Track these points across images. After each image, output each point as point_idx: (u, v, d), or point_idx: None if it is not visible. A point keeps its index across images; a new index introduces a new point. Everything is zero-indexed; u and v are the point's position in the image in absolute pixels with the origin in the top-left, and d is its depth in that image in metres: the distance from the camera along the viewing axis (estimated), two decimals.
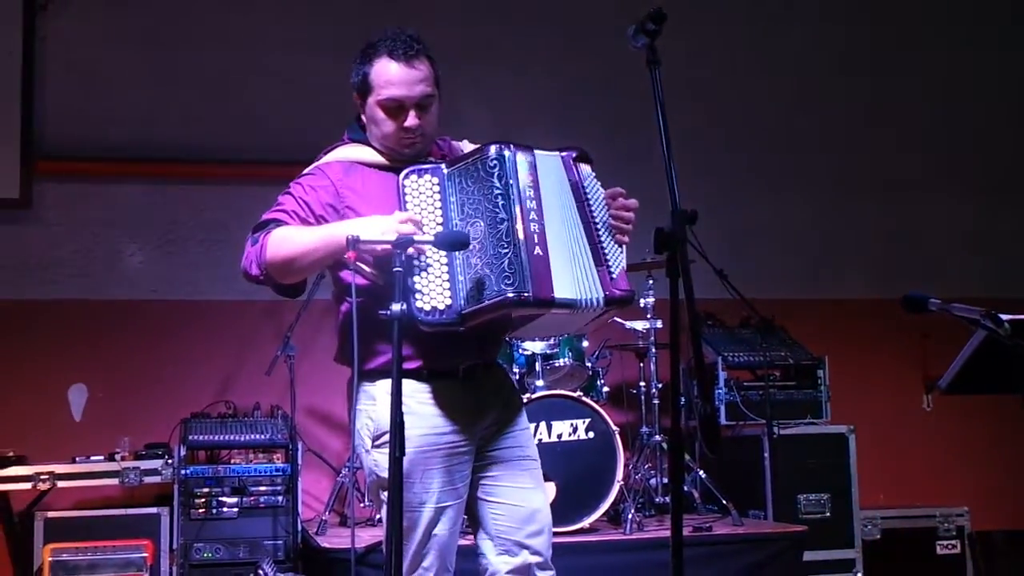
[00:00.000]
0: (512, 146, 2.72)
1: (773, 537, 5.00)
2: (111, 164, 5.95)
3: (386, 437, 2.64)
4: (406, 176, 2.76)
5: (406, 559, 2.75)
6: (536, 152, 2.77)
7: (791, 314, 6.07)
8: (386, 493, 2.66)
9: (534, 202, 2.69)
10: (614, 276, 2.75)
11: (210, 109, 6.03)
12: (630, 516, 4.91)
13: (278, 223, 2.83)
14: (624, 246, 2.83)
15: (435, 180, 2.75)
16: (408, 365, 2.74)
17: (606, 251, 2.76)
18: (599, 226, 2.78)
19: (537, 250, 2.64)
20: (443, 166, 2.79)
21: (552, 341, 5.15)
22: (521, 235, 2.63)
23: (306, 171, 2.93)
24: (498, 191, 2.66)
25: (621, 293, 2.74)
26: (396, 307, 2.55)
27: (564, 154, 2.84)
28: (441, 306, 2.64)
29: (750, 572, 4.85)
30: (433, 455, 2.78)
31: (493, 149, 2.71)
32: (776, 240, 6.67)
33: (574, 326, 2.86)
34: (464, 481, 2.84)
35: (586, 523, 4.86)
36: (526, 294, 2.59)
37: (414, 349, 2.76)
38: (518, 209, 2.65)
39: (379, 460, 2.80)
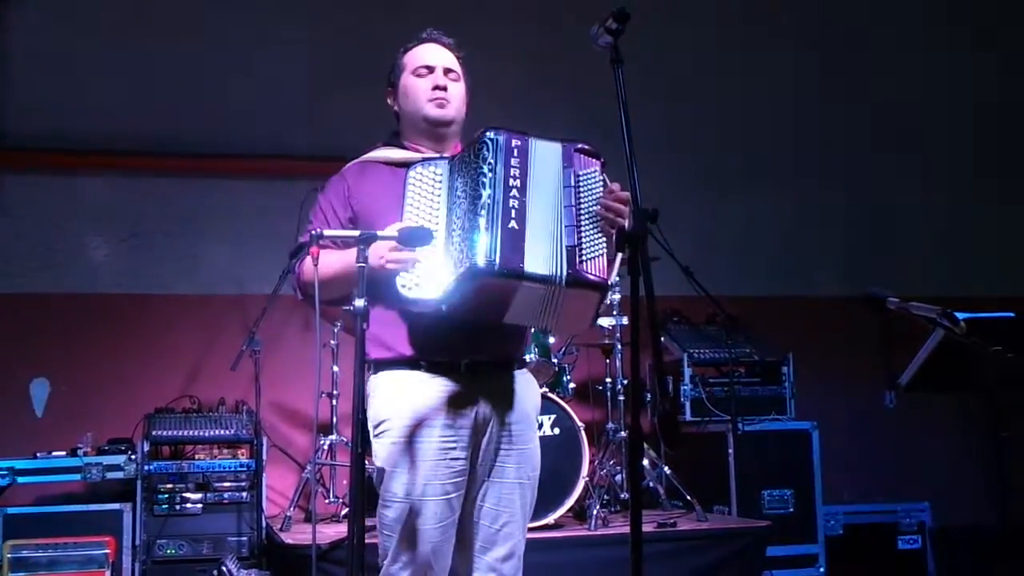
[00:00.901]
0: (504, 130, 2.76)
1: (737, 533, 5.04)
2: (76, 156, 5.90)
3: (383, 426, 2.77)
4: (412, 168, 2.82)
5: (389, 551, 2.78)
6: (530, 138, 2.79)
7: (756, 311, 6.12)
8: (380, 483, 2.76)
9: (518, 180, 2.71)
10: (584, 259, 2.69)
11: (177, 102, 5.98)
12: (595, 512, 4.93)
13: (319, 242, 2.83)
14: (612, 239, 2.77)
15: (439, 171, 2.81)
16: (406, 352, 2.81)
17: (582, 235, 2.71)
18: (582, 213, 2.74)
19: (513, 224, 2.64)
20: (447, 159, 2.85)
21: None
22: (499, 209, 2.64)
23: (333, 177, 3.04)
24: (483, 170, 2.69)
25: (594, 278, 2.68)
26: (359, 302, 2.57)
27: (564, 144, 2.84)
28: (424, 286, 2.66)
29: (714, 567, 4.88)
30: (421, 446, 2.77)
31: (486, 133, 2.75)
32: (742, 238, 6.71)
33: (570, 318, 2.77)
34: (454, 480, 2.81)
35: (551, 519, 4.87)
36: (492, 262, 2.57)
37: (414, 339, 2.80)
38: (500, 185, 2.67)
39: (378, 450, 2.84)
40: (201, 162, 6.01)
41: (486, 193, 2.66)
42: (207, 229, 5.99)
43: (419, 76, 3.01)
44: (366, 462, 2.68)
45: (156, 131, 5.94)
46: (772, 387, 5.80)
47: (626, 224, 2.66)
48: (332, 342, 5.40)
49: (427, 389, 2.81)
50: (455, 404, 2.82)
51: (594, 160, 2.82)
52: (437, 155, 2.91)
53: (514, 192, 2.68)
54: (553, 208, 2.73)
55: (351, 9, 6.11)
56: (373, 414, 2.84)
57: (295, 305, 5.63)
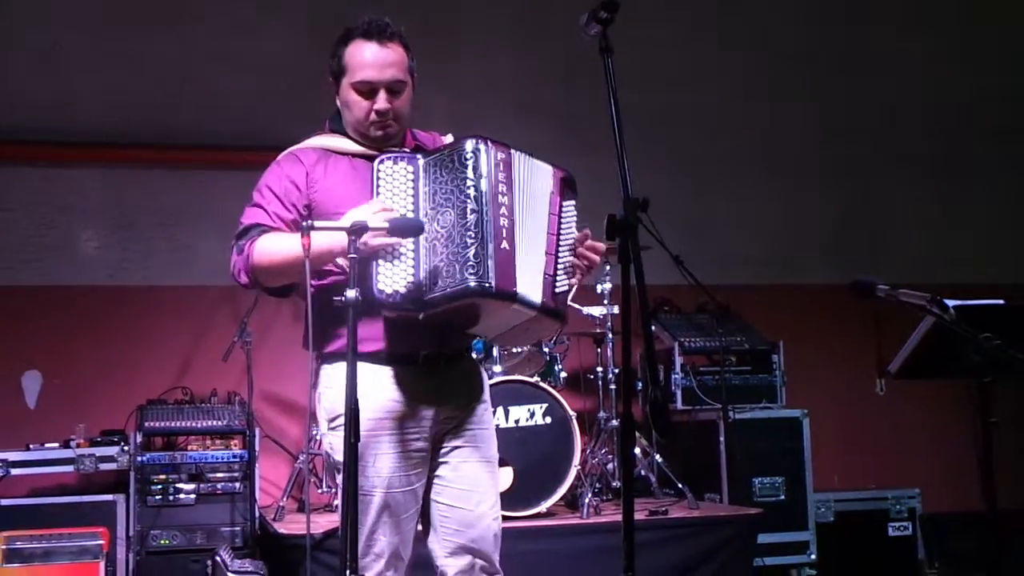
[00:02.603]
0: (490, 141, 2.72)
1: (728, 520, 5.06)
2: (66, 149, 5.89)
3: (340, 420, 2.66)
4: (381, 162, 2.75)
5: (359, 544, 2.75)
6: (514, 152, 2.76)
7: (747, 300, 6.13)
8: (340, 476, 2.69)
9: (506, 198, 2.70)
10: (557, 291, 2.76)
11: (167, 94, 5.96)
12: (587, 500, 4.95)
13: (262, 229, 2.82)
14: (576, 279, 2.84)
15: (410, 168, 2.74)
16: (368, 348, 2.75)
17: (558, 267, 2.77)
18: (562, 244, 2.78)
19: (504, 244, 2.65)
20: (419, 156, 2.78)
21: None
22: (490, 227, 2.64)
23: (280, 156, 2.94)
24: (471, 182, 2.66)
25: (555, 308, 2.75)
26: (351, 293, 2.56)
27: (550, 166, 2.83)
28: (403, 289, 2.64)
29: (706, 555, 4.90)
30: (386, 439, 2.78)
31: (470, 143, 2.70)
32: (733, 227, 6.73)
33: (508, 328, 2.82)
34: (417, 470, 2.83)
35: (543, 507, 4.89)
36: (488, 284, 2.60)
37: (374, 332, 2.76)
38: (490, 202, 2.66)
39: (334, 443, 2.83)
40: (193, 154, 6.01)
41: (473, 207, 2.64)
42: (198, 221, 5.98)
43: (360, 93, 2.84)
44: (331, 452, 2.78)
45: (148, 123, 5.93)
46: (763, 375, 5.83)
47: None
48: None
49: (385, 381, 2.80)
50: (414, 395, 2.82)
51: (573, 195, 2.85)
52: (405, 152, 2.84)
53: (503, 211, 2.68)
54: (539, 232, 2.77)
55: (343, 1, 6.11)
56: (330, 406, 2.83)
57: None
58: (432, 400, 2.84)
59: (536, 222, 2.77)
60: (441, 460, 2.89)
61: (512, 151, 2.76)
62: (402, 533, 2.82)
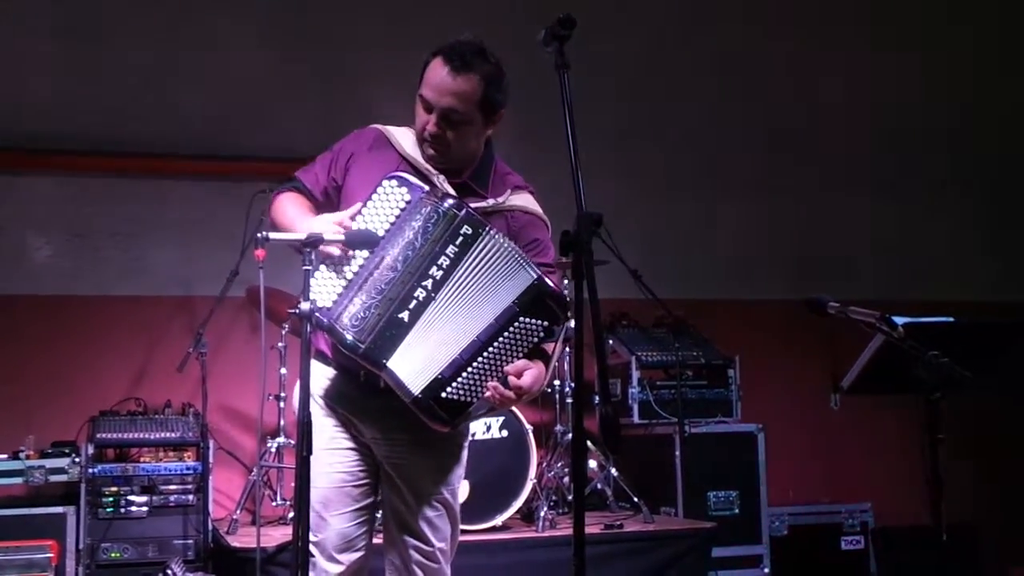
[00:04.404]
0: (467, 211, 2.66)
1: (683, 534, 5.09)
2: (19, 155, 5.81)
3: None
4: (389, 178, 2.74)
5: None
6: (490, 232, 2.65)
7: (704, 314, 6.17)
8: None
9: (440, 272, 2.64)
10: (443, 396, 2.60)
11: (126, 102, 5.90)
12: (543, 514, 4.95)
13: (294, 185, 2.95)
14: (486, 406, 2.67)
15: (407, 197, 2.70)
16: (323, 348, 2.87)
17: (464, 375, 2.61)
18: (484, 357, 2.62)
19: (404, 315, 2.62)
20: (425, 189, 2.72)
21: None
22: (400, 291, 2.63)
23: (362, 128, 3.00)
24: (420, 241, 2.65)
25: (431, 409, 2.61)
26: (305, 305, 2.56)
27: (529, 272, 2.64)
28: (320, 303, 2.63)
29: (661, 568, 4.92)
30: (315, 437, 2.74)
31: (449, 202, 2.66)
32: (690, 241, 6.77)
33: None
34: (347, 470, 2.87)
35: (499, 521, 4.89)
36: (359, 344, 2.61)
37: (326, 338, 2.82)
38: (418, 268, 2.64)
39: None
40: (148, 163, 5.94)
41: (397, 266, 2.64)
42: (154, 230, 5.93)
43: (421, 106, 2.81)
44: None
45: (103, 131, 5.87)
46: (719, 389, 5.86)
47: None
48: (279, 344, 5.36)
49: (324, 381, 2.88)
50: (346, 402, 2.87)
51: (543, 316, 2.65)
52: (429, 177, 2.80)
53: (427, 283, 2.63)
54: (462, 326, 2.62)
55: (302, 11, 6.08)
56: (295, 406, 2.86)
57: (241, 307, 5.60)
58: (361, 416, 2.86)
59: (467, 315, 2.63)
60: (382, 480, 2.94)
61: (484, 231, 2.64)
62: (336, 528, 2.86)
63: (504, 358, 2.64)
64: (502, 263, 2.66)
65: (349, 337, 2.61)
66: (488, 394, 2.61)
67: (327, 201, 2.91)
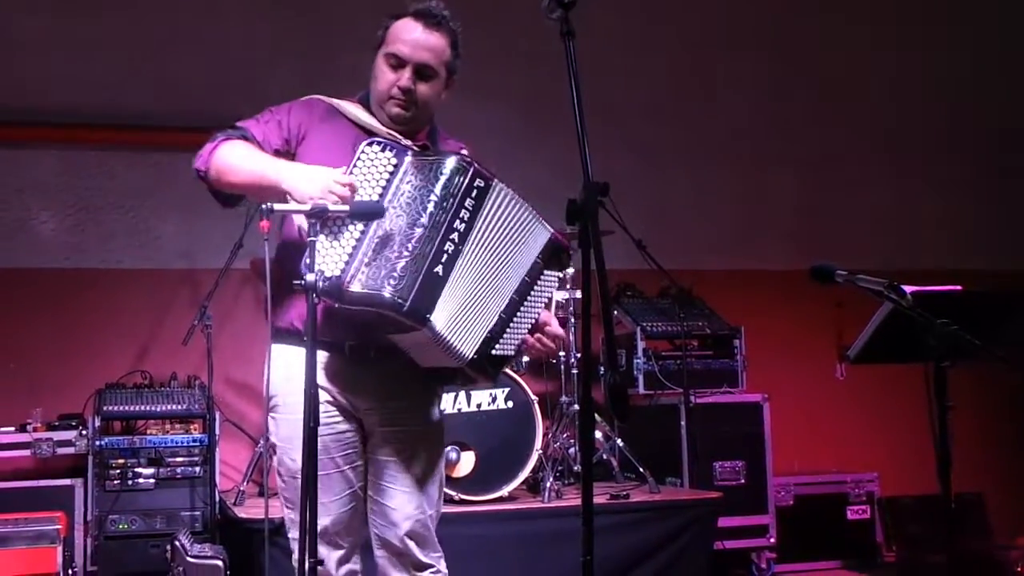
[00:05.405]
0: (476, 165, 2.66)
1: (689, 504, 5.10)
2: (22, 129, 5.79)
3: (274, 401, 2.79)
4: (369, 144, 2.71)
5: (294, 524, 2.77)
6: (499, 185, 2.68)
7: (709, 284, 6.15)
8: (275, 459, 2.86)
9: (463, 224, 2.63)
10: (493, 353, 2.69)
11: (127, 74, 5.88)
12: (548, 484, 4.96)
13: (243, 133, 2.83)
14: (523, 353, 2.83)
15: (393, 161, 2.68)
16: (297, 328, 2.78)
17: (508, 330, 2.71)
18: (523, 312, 2.73)
19: (438, 268, 2.59)
20: (410, 152, 2.71)
21: None
22: (432, 247, 2.59)
23: (303, 98, 2.94)
24: (434, 198, 2.61)
25: (487, 374, 2.72)
26: (310, 277, 2.53)
27: (544, 227, 2.76)
28: (328, 273, 2.57)
29: (667, 538, 4.94)
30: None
31: (452, 160, 2.65)
32: (695, 211, 6.75)
33: (433, 363, 2.75)
34: (343, 452, 2.83)
35: (505, 491, 4.90)
36: (401, 301, 2.54)
37: (304, 314, 2.68)
38: (444, 224, 2.60)
39: (270, 425, 2.87)
40: (151, 135, 5.92)
41: (424, 223, 2.60)
42: (157, 203, 5.92)
43: (388, 65, 2.82)
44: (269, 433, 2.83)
45: (105, 104, 5.84)
46: (724, 360, 5.85)
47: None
48: None
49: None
50: (338, 382, 2.81)
51: (558, 267, 2.81)
52: (400, 140, 2.79)
53: (454, 236, 2.61)
54: (498, 280, 2.69)
55: None
56: (269, 388, 2.84)
57: (246, 279, 5.60)
58: (353, 388, 2.82)
59: (500, 270, 2.70)
60: (369, 453, 2.88)
61: (496, 184, 2.67)
62: (334, 515, 2.82)
63: (534, 310, 2.77)
64: (517, 214, 2.72)
65: (387, 295, 2.54)
66: (531, 344, 2.77)
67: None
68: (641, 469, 5.30)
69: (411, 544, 2.86)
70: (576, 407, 5.42)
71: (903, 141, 7.10)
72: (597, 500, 4.69)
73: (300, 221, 2.69)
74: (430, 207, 2.61)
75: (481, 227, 2.66)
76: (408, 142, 2.81)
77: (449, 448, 4.67)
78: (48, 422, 5.09)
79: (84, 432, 5.00)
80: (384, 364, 2.78)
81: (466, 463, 4.79)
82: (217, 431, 5.12)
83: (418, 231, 2.60)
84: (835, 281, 3.04)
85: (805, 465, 6.33)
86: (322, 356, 2.76)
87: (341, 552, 2.87)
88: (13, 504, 4.80)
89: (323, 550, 2.76)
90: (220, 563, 4.38)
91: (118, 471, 4.95)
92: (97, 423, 4.97)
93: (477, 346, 2.66)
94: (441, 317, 2.58)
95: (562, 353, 5.60)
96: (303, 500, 2.52)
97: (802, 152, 6.94)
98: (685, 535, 4.95)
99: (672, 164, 6.70)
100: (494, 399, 4.94)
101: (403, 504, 2.86)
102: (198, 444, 5.05)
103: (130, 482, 4.96)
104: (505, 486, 4.89)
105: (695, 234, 6.66)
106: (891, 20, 7.01)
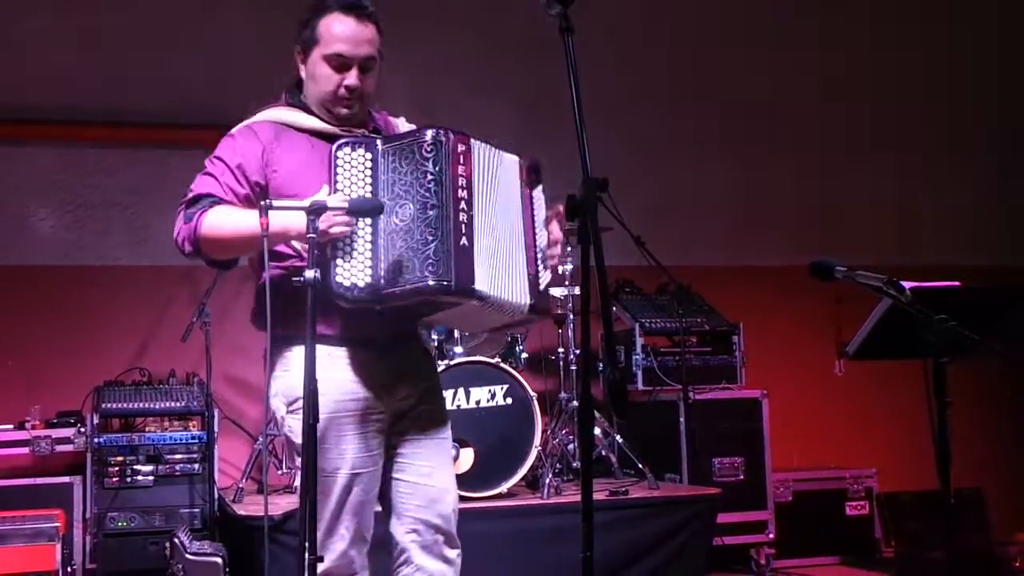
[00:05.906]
0: (451, 133, 2.68)
1: (688, 500, 5.10)
2: (20, 126, 5.79)
3: (299, 403, 2.63)
4: (339, 148, 2.70)
5: (322, 525, 2.74)
6: (474, 143, 2.72)
7: (708, 281, 6.15)
8: (299, 459, 2.68)
9: (466, 191, 2.67)
10: (541, 287, 2.81)
11: (126, 72, 5.87)
12: (547, 481, 4.96)
13: (213, 200, 2.78)
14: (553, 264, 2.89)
15: (368, 156, 2.69)
16: (325, 331, 2.72)
17: (539, 260, 2.82)
18: (539, 236, 2.83)
19: (463, 240, 2.63)
20: (378, 141, 2.73)
21: None
22: (450, 223, 2.62)
23: (235, 129, 2.89)
24: (431, 176, 2.63)
25: (545, 305, 2.84)
26: (309, 273, 2.53)
27: (513, 156, 2.83)
28: (361, 283, 2.61)
29: (666, 534, 4.94)
30: (347, 420, 2.77)
31: (430, 133, 2.66)
32: (694, 207, 6.75)
33: (489, 324, 2.88)
34: (379, 450, 2.83)
35: (504, 488, 4.90)
36: (447, 282, 2.59)
37: (331, 315, 2.72)
38: (450, 197, 2.63)
39: (293, 426, 2.79)
40: (150, 133, 5.92)
41: (434, 203, 2.61)
42: (156, 200, 5.89)
43: (331, 66, 2.80)
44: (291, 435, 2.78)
45: (104, 101, 5.84)
46: (723, 356, 5.86)
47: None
48: None
49: (342, 363, 2.78)
50: (372, 376, 2.81)
51: (538, 180, 2.88)
52: (361, 134, 2.81)
53: (463, 205, 2.65)
54: (503, 223, 2.76)
55: None
56: (287, 390, 2.79)
57: (245, 276, 5.57)
58: (389, 380, 2.83)
59: (507, 217, 2.78)
60: (400, 438, 2.88)
61: (473, 142, 2.72)
62: (364, 514, 2.82)
63: (542, 231, 2.86)
64: (496, 160, 2.79)
65: (431, 282, 2.58)
66: (553, 263, 2.86)
67: (250, 208, 2.75)
68: (640, 465, 5.30)
69: (452, 521, 2.88)
70: (575, 403, 5.42)
71: (903, 140, 7.09)
72: (596, 496, 4.70)
73: (296, 243, 2.73)
74: (432, 186, 2.63)
75: (478, 188, 2.72)
76: (366, 132, 2.86)
77: None
78: (47, 419, 5.09)
79: (83, 429, 5.00)
80: (408, 351, 2.89)
81: (465, 460, 4.79)
82: (216, 428, 5.12)
83: (432, 212, 2.62)
84: (834, 277, 3.04)
85: (804, 461, 6.34)
86: (346, 353, 2.78)
87: (367, 548, 2.88)
88: (11, 501, 4.80)
89: (353, 552, 2.80)
90: (219, 560, 4.38)
91: (117, 468, 4.95)
92: (96, 420, 4.97)
93: (528, 289, 2.77)
94: (484, 282, 2.65)
95: (560, 349, 5.61)
96: (302, 497, 2.51)
97: (801, 149, 6.93)
98: (684, 531, 4.95)
99: (671, 160, 6.70)
100: (493, 396, 4.94)
101: (443, 479, 2.89)
102: (197, 441, 5.05)
103: (129, 479, 4.96)
104: (504, 483, 4.89)
105: (694, 230, 6.66)
106: (891, 20, 7.01)
